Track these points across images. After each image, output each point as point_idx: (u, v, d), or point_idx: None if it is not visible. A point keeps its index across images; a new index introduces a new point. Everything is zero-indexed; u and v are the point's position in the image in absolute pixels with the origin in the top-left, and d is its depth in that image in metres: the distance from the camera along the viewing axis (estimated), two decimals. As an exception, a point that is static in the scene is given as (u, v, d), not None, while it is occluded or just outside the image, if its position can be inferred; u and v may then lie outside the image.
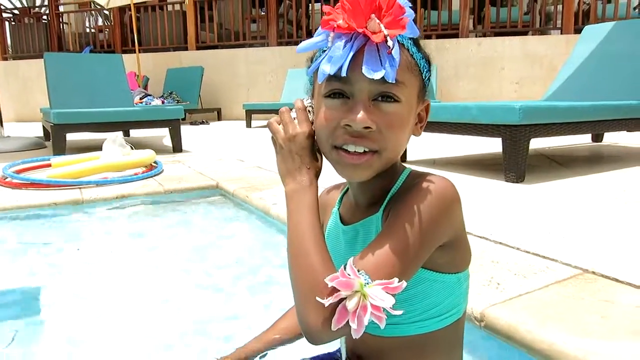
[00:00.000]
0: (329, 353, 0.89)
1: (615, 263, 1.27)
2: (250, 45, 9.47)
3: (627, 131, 3.10)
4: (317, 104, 0.70)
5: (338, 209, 0.81)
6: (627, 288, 1.13)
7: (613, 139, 4.27)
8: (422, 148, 3.75)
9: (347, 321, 0.58)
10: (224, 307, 1.28)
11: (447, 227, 0.68)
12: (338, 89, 0.66)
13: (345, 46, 0.63)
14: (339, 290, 0.59)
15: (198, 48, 9.43)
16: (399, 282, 0.58)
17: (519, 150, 2.40)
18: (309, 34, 9.32)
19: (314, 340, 0.63)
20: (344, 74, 0.63)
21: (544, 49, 7.34)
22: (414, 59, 0.67)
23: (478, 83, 7.64)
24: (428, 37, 8.49)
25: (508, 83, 7.48)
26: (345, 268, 0.60)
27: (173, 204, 2.38)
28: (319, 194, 0.74)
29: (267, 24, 9.10)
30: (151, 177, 2.82)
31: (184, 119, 5.81)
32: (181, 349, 1.07)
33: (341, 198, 0.82)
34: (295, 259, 0.67)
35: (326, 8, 0.66)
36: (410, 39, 0.67)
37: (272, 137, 0.75)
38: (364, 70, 0.62)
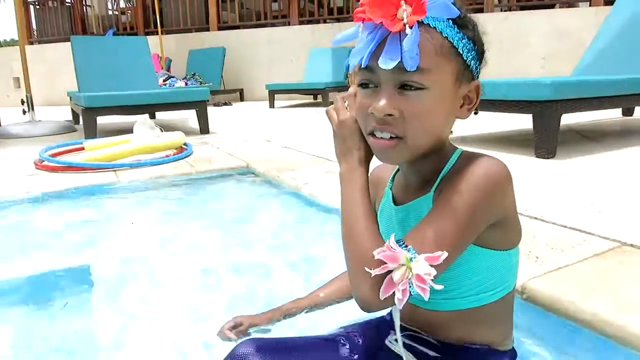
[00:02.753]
0: (381, 317, 0.91)
1: (654, 237, 1.27)
2: (272, 25, 9.43)
3: (627, 107, 3.01)
4: (357, 93, 0.73)
5: (390, 188, 0.83)
6: (667, 261, 1.13)
7: (597, 117, 4.16)
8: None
9: (393, 294, 0.62)
10: (262, 279, 1.33)
11: (497, 207, 0.69)
12: (367, 79, 0.69)
13: (368, 37, 0.65)
14: (386, 263, 0.62)
15: (219, 29, 9.43)
16: (443, 259, 0.61)
17: (550, 126, 2.38)
18: (330, 12, 9.24)
19: (365, 308, 0.67)
20: (364, 64, 0.66)
21: (572, 22, 7.12)
22: (450, 40, 0.66)
23: (504, 59, 7.48)
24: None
25: (535, 58, 7.30)
26: (390, 244, 0.63)
27: (205, 184, 2.43)
28: (371, 171, 0.78)
29: (289, 2, 9.03)
30: (182, 158, 2.89)
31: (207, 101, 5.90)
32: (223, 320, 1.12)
33: (393, 177, 0.84)
34: (347, 235, 0.71)
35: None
36: (449, 20, 0.66)
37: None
38: (380, 60, 0.64)
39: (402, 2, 0.63)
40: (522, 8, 7.84)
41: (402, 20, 0.63)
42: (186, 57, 9.14)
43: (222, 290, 1.27)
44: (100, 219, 1.93)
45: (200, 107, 4.00)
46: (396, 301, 0.62)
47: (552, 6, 7.84)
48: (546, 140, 2.38)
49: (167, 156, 2.86)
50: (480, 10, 7.95)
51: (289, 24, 9.12)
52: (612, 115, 4.09)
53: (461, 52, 0.68)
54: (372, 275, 0.63)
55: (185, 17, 9.76)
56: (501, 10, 8.26)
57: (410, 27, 0.62)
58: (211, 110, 4.14)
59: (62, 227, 1.81)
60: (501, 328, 0.80)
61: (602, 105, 2.66)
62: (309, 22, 9.18)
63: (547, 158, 2.38)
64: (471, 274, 0.73)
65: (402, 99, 0.66)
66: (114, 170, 2.60)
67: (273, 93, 7.23)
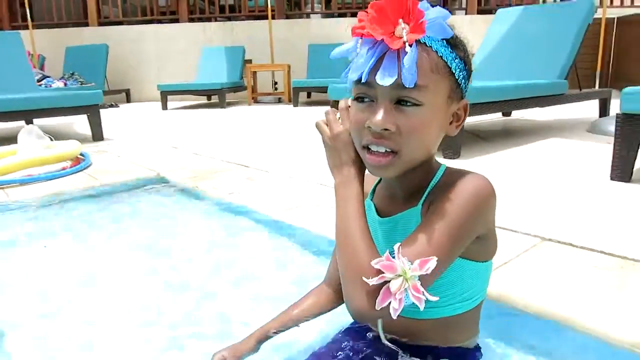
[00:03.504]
0: (359, 326, 0.92)
1: (566, 231, 1.43)
2: (159, 22, 8.97)
3: (540, 107, 3.41)
4: (351, 106, 0.73)
5: (371, 199, 0.84)
6: (582, 251, 1.28)
7: (519, 114, 4.67)
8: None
9: (389, 303, 0.63)
10: (204, 300, 1.25)
11: (483, 222, 0.73)
12: (363, 93, 0.70)
13: (368, 53, 0.67)
14: (383, 273, 0.64)
15: (100, 24, 8.74)
16: (435, 264, 0.63)
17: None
18: (222, 10, 9.02)
19: (358, 318, 0.71)
20: (364, 79, 0.67)
21: (457, 25, 7.73)
22: (444, 60, 0.69)
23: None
24: (343, 15, 8.59)
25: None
26: (390, 253, 0.64)
27: (115, 199, 2.23)
28: None
29: (177, -1, 8.66)
30: (80, 170, 2.63)
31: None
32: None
33: (374, 190, 0.85)
34: (342, 245, 0.72)
35: (360, 14, 0.68)
36: (443, 40, 0.69)
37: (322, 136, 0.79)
38: (377, 76, 0.65)
39: (401, 20, 0.65)
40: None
41: (402, 37, 0.64)
42: (62, 54, 8.34)
43: (161, 317, 1.17)
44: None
45: (92, 112, 3.68)
46: (391, 311, 0.63)
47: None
48: (451, 141, 2.56)
49: (63, 169, 2.59)
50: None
51: (177, 21, 8.74)
52: (492, 116, 4.53)
53: (454, 72, 0.71)
54: (370, 285, 0.64)
55: (59, 10, 8.89)
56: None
57: (410, 46, 0.64)
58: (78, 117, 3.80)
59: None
60: (473, 329, 0.85)
61: (491, 109, 2.93)
62: (199, 19, 8.90)
63: (454, 158, 2.57)
64: (455, 283, 0.77)
65: (399, 114, 0.68)
66: (1, 188, 2.29)
67: (166, 94, 6.88)
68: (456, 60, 0.71)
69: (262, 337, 0.91)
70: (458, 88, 0.73)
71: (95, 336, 1.10)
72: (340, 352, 0.86)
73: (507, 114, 4.51)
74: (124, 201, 2.21)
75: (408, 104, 0.68)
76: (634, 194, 1.86)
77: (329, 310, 0.94)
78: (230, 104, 7.22)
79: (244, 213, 1.88)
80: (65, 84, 7.25)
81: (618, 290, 1.09)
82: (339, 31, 8.10)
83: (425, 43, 0.67)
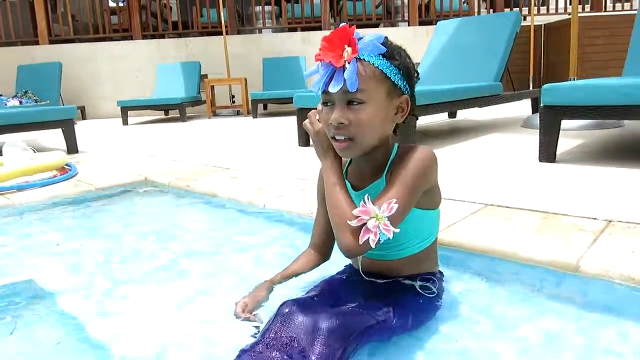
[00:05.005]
0: (339, 273, 1.23)
1: (503, 198, 1.82)
2: (110, 39, 9.02)
3: (479, 107, 3.86)
4: (321, 109, 1.05)
5: (345, 178, 1.12)
6: (516, 210, 1.66)
7: (463, 115, 5.16)
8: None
9: (368, 238, 0.94)
10: (206, 290, 1.36)
11: (429, 179, 1.04)
12: (326, 99, 1.01)
13: (325, 70, 0.99)
14: (361, 217, 0.95)
15: (52, 42, 8.70)
16: (396, 207, 0.94)
17: (408, 128, 2.94)
18: (175, 27, 9.19)
19: (348, 254, 1.01)
20: (322, 90, 0.98)
21: (394, 39, 8.24)
22: (380, 68, 0.97)
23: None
24: (294, 29, 8.97)
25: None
26: (364, 202, 0.96)
27: (115, 200, 2.44)
28: None
29: (129, 16, 8.76)
30: (70, 178, 2.82)
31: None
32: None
33: (346, 170, 1.15)
34: (332, 205, 1.03)
35: (320, 46, 0.99)
36: (379, 54, 0.97)
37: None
38: (329, 86, 0.97)
39: (346, 46, 0.97)
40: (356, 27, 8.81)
41: (344, 58, 0.97)
42: (13, 73, 8.22)
43: (182, 280, 1.44)
44: (18, 241, 1.88)
45: (67, 126, 3.83)
46: (371, 243, 0.94)
47: (377, 25, 8.98)
48: (405, 140, 2.94)
49: (54, 176, 2.77)
50: (319, 28, 8.74)
51: (131, 39, 8.83)
52: (439, 117, 5.00)
53: (389, 76, 0.98)
54: (353, 226, 0.95)
55: (7, 29, 8.77)
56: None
57: (349, 62, 0.94)
58: (57, 131, 3.93)
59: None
60: (434, 260, 1.18)
61: (438, 109, 3.34)
62: (152, 36, 9.02)
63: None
64: (414, 229, 1.08)
65: (350, 111, 0.98)
66: (1, 194, 2.45)
67: (126, 109, 6.98)
68: (390, 67, 0.98)
69: (271, 287, 1.19)
70: (396, 88, 1.00)
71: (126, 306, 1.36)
72: (333, 285, 1.16)
73: (452, 115, 5.00)
74: (124, 201, 2.43)
75: (355, 103, 0.97)
76: (556, 170, 2.29)
77: (315, 267, 1.24)
78: (190, 118, 7.39)
79: (237, 204, 2.16)
80: (21, 102, 7.19)
81: (541, 232, 1.47)
82: (291, 45, 8.48)
83: (364, 59, 0.96)
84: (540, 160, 2.46)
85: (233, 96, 8.29)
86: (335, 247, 1.22)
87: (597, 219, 1.54)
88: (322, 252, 1.26)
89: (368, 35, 0.99)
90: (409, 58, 1.06)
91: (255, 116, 7.14)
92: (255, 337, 0.94)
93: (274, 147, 3.79)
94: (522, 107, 5.18)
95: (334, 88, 0.95)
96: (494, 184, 2.11)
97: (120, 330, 1.16)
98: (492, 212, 1.68)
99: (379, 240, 0.94)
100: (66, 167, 3.04)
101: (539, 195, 1.88)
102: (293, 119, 6.61)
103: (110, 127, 6.73)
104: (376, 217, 0.94)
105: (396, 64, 1.00)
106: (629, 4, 8.66)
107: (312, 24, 8.93)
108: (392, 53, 1.01)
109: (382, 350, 0.99)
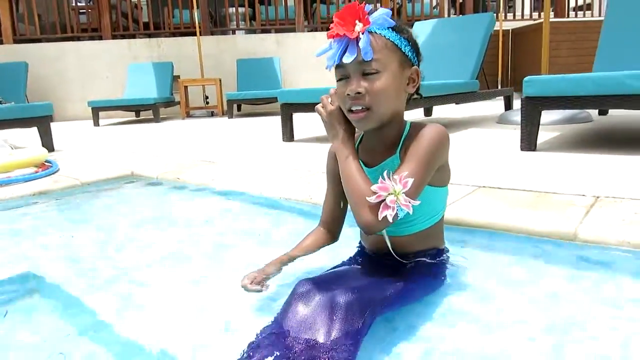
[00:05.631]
0: (350, 259, 1.26)
1: (494, 181, 1.90)
2: (79, 39, 8.82)
3: (456, 103, 3.98)
4: (337, 86, 1.08)
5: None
6: (507, 190, 1.74)
7: (438, 113, 5.29)
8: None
9: (386, 216, 0.96)
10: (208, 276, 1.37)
11: (442, 156, 1.08)
12: (341, 73, 1.03)
13: (338, 45, 1.02)
14: (380, 194, 0.97)
15: (16, 41, 8.43)
16: (412, 182, 0.96)
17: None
18: (146, 27, 9.06)
19: (367, 230, 1.02)
20: (337, 62, 1.01)
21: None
22: (391, 40, 1.01)
23: (319, 73, 8.39)
24: (268, 31, 8.98)
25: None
26: (383, 178, 0.99)
27: (103, 193, 2.41)
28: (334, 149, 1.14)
29: (99, 16, 8.59)
30: (53, 173, 2.76)
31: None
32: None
33: (357, 149, 1.15)
34: (349, 184, 1.04)
35: (331, 25, 1.02)
36: (389, 28, 1.01)
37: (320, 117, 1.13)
38: (344, 58, 1.01)
39: (357, 20, 1.01)
40: (327, 29, 8.89)
41: (357, 30, 1.00)
42: (-24, 73, 7.94)
43: (184, 264, 1.45)
44: (8, 235, 1.83)
45: (43, 123, 3.74)
46: (389, 218, 0.96)
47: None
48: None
49: (35, 172, 2.71)
50: (293, 30, 8.78)
51: (101, 38, 8.66)
52: (414, 115, 5.11)
53: (400, 47, 1.02)
54: (372, 202, 0.97)
55: (-32, 29, 8.45)
56: (309, 31, 9.21)
57: (362, 33, 0.98)
58: (26, 131, 3.83)
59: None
60: (441, 236, 1.22)
61: (420, 103, 3.43)
62: (123, 36, 8.87)
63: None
64: (426, 205, 1.09)
65: (365, 81, 1.00)
66: (-17, 189, 2.38)
67: (97, 110, 6.83)
68: (400, 39, 1.02)
69: (283, 262, 1.19)
70: (407, 58, 1.04)
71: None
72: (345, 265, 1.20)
73: (428, 113, 5.11)
74: (113, 194, 2.39)
75: (371, 72, 0.99)
76: (539, 157, 2.39)
77: (325, 246, 1.25)
78: (162, 119, 7.29)
79: (233, 193, 2.17)
80: (-15, 104, 6.94)
81: (536, 208, 1.54)
82: (265, 46, 8.49)
83: (375, 32, 1.00)
84: (522, 149, 2.57)
85: (207, 97, 8.23)
86: (345, 228, 1.27)
87: (586, 195, 1.63)
88: (332, 229, 1.27)
89: (378, 10, 1.03)
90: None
91: (231, 116, 7.11)
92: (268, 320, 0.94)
93: (257, 144, 3.80)
94: (494, 106, 5.35)
95: (348, 59, 0.98)
96: (482, 170, 2.19)
97: (131, 317, 1.14)
98: (487, 193, 1.75)
99: (396, 215, 0.96)
100: (47, 163, 2.97)
101: (527, 178, 1.97)
102: (270, 119, 6.71)
103: (81, 128, 6.57)
104: (394, 192, 0.96)
105: (405, 37, 1.04)
106: (589, 12, 9.08)
107: (286, 26, 8.97)
108: (401, 26, 1.05)
109: (397, 317, 1.03)
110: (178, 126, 6.24)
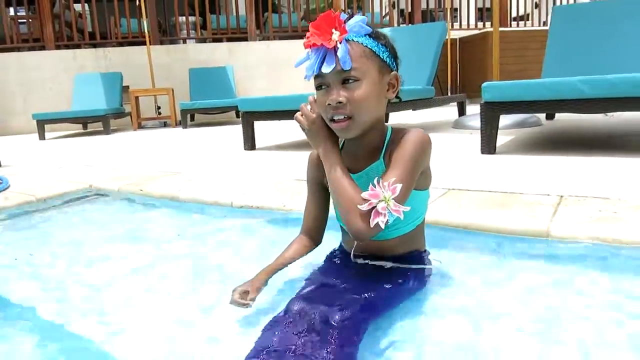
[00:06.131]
0: (329, 257, 1.26)
1: (461, 183, 1.95)
2: (19, 49, 8.39)
3: (413, 110, 4.08)
4: (316, 95, 1.08)
5: None
6: (475, 192, 1.80)
7: (395, 120, 5.40)
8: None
9: (378, 222, 0.96)
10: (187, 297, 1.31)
11: (425, 160, 1.10)
12: (320, 82, 1.03)
13: (316, 55, 1.02)
14: (370, 201, 0.98)
15: (-51, 53, 7.93)
16: (400, 188, 0.97)
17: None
18: (92, 37, 8.75)
19: (359, 237, 1.02)
20: (316, 72, 1.01)
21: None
22: (369, 47, 1.01)
23: (272, 81, 8.38)
24: (219, 40, 8.89)
25: (298, 81, 8.38)
26: (374, 186, 0.99)
27: (61, 209, 2.29)
28: (314, 156, 1.17)
29: (41, 26, 8.21)
30: (2, 191, 2.60)
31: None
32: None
33: None
34: (337, 192, 1.04)
35: (307, 34, 1.02)
36: (366, 35, 1.01)
37: (300, 125, 1.12)
38: (323, 68, 1.01)
39: (333, 29, 1.01)
40: (281, 38, 8.93)
41: (334, 39, 1.01)
42: None
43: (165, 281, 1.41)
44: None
45: (-13, 138, 3.51)
46: (381, 224, 0.96)
47: (302, 37, 9.13)
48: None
49: (-15, 189, 2.54)
50: (245, 39, 8.74)
51: (43, 49, 8.28)
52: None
53: (378, 54, 1.02)
54: (363, 210, 0.97)
55: None
56: (262, 39, 9.20)
57: (340, 43, 0.98)
58: None
59: None
60: (422, 238, 1.24)
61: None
62: (67, 46, 8.52)
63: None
64: (412, 207, 1.08)
65: (346, 90, 1.00)
66: None
67: (43, 123, 6.50)
68: (378, 46, 1.03)
69: (269, 274, 1.16)
70: (385, 64, 1.04)
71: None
72: (329, 274, 1.19)
73: (385, 120, 5.20)
74: (73, 209, 2.28)
75: (350, 81, 0.99)
76: (499, 160, 2.49)
77: (308, 253, 1.24)
78: (113, 131, 7.04)
79: (201, 204, 2.12)
80: None
81: (506, 207, 1.60)
82: (217, 55, 8.40)
83: (353, 40, 1.00)
84: (482, 152, 2.66)
85: (159, 107, 8.03)
86: (327, 231, 1.26)
87: (550, 195, 1.71)
88: (314, 237, 1.26)
89: (353, 18, 1.03)
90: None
91: (185, 126, 6.97)
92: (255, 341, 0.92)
93: (219, 153, 3.74)
94: (446, 112, 5.52)
95: (327, 69, 0.98)
96: (447, 174, 2.25)
97: (108, 332, 1.09)
98: (457, 195, 1.80)
99: (387, 221, 0.97)
100: (-5, 178, 2.80)
101: (491, 180, 2.04)
102: (225, 128, 6.63)
103: (26, 142, 6.23)
104: (385, 199, 0.96)
105: (383, 43, 1.05)
106: (530, 22, 9.58)
107: (237, 35, 8.91)
108: (378, 33, 1.06)
109: (384, 318, 1.03)
110: (131, 138, 6.05)
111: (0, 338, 1.09)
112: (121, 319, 1.16)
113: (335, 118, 1.02)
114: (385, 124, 1.14)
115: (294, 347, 0.87)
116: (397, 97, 1.15)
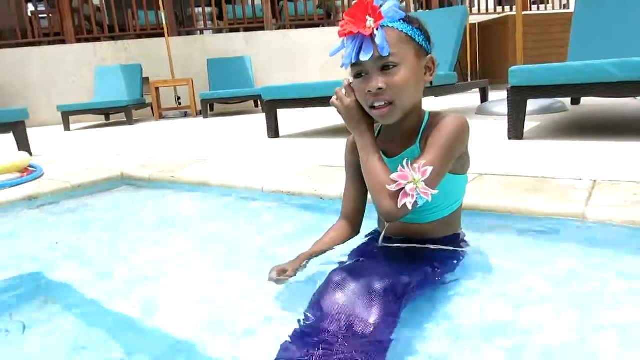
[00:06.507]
0: (366, 241, 1.28)
1: (491, 169, 1.96)
2: (40, 44, 8.53)
3: (435, 96, 4.05)
4: (353, 84, 1.09)
5: None
6: (510, 177, 1.81)
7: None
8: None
9: (405, 203, 0.97)
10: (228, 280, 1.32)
11: (462, 145, 1.08)
12: (358, 71, 1.04)
13: (352, 43, 1.02)
14: (399, 182, 0.99)
15: (-25, 48, 8.09)
16: (430, 171, 0.98)
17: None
18: (111, 30, 8.84)
19: (388, 218, 1.03)
20: (354, 61, 1.01)
21: (337, 38, 8.42)
22: (404, 32, 1.01)
23: (289, 69, 8.38)
24: (236, 30, 8.91)
25: (315, 69, 8.37)
26: (403, 167, 1.00)
27: (91, 196, 2.36)
28: (351, 141, 1.18)
29: (61, 19, 8.32)
30: (37, 178, 2.67)
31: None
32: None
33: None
34: (369, 172, 1.06)
35: (340, 23, 1.03)
36: (400, 19, 1.01)
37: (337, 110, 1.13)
38: (360, 56, 1.00)
39: (367, 16, 1.01)
40: (297, 27, 8.91)
41: (370, 26, 1.01)
42: None
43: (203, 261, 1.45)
44: (8, 240, 1.77)
45: (18, 128, 3.62)
46: (409, 206, 0.97)
47: (318, 25, 9.10)
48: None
49: (21, 176, 2.62)
50: (262, 29, 8.74)
51: (64, 42, 8.40)
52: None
53: (414, 38, 1.03)
54: (391, 191, 0.97)
55: None
56: (278, 29, 9.19)
57: (377, 29, 0.99)
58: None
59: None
60: (459, 222, 1.25)
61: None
62: (87, 40, 8.62)
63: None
64: (447, 193, 1.09)
65: (385, 76, 1.01)
66: (-32, 197, 2.29)
67: (67, 115, 6.63)
68: (413, 30, 1.03)
69: (308, 257, 1.18)
70: (421, 48, 1.05)
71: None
72: (368, 254, 1.20)
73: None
74: (108, 196, 2.35)
75: (390, 67, 1.00)
76: (527, 145, 2.48)
77: (347, 239, 1.24)
78: (135, 121, 7.14)
79: (233, 189, 2.15)
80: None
81: (539, 192, 1.61)
82: (234, 45, 8.42)
83: (388, 25, 1.00)
84: (510, 138, 2.65)
85: (179, 98, 8.11)
86: (365, 220, 1.27)
87: (582, 179, 1.71)
88: (354, 222, 1.27)
89: (386, 3, 1.03)
90: None
91: (205, 116, 7.03)
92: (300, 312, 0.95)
93: (243, 141, 3.78)
94: (467, 99, 5.48)
95: (365, 56, 0.99)
96: (476, 159, 2.22)
97: (152, 313, 1.13)
98: (489, 180, 1.81)
99: (415, 203, 0.97)
100: (30, 168, 2.88)
101: (522, 165, 2.04)
102: (245, 117, 6.67)
103: (51, 133, 6.36)
104: (414, 181, 0.97)
105: (417, 27, 1.05)
106: (550, 5, 9.41)
107: (254, 24, 8.92)
108: (410, 18, 1.05)
109: (421, 298, 1.05)
110: (153, 128, 6.13)
111: (47, 316, 1.15)
112: (166, 301, 1.20)
113: (376, 105, 1.03)
114: (423, 108, 1.15)
115: (337, 312, 0.90)
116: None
